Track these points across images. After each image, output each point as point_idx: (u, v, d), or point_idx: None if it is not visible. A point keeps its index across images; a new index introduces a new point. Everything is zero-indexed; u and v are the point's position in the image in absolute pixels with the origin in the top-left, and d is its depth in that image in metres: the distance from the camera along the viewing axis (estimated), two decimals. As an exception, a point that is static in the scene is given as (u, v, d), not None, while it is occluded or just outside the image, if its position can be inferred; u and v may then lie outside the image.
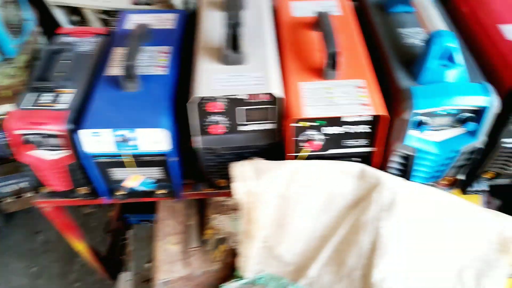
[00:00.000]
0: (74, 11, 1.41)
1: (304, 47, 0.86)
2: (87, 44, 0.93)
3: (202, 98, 0.74)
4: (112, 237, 1.50)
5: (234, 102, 0.76)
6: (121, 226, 1.46)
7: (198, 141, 0.79)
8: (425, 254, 0.77)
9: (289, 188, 0.79)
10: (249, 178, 0.77)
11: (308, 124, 0.76)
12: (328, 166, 0.79)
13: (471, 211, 0.79)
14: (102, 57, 0.90)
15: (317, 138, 0.78)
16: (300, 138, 0.78)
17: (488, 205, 1.18)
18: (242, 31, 0.78)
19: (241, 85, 0.76)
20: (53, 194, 0.91)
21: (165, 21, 0.96)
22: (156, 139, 0.76)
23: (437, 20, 0.78)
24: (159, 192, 0.89)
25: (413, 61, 0.79)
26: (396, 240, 0.76)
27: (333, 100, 0.76)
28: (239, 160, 0.81)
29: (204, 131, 0.79)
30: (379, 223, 0.76)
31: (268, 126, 0.80)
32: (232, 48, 0.78)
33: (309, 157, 0.81)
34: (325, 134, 0.78)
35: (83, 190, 0.89)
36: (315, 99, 0.76)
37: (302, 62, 0.83)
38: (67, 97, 0.81)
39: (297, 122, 0.75)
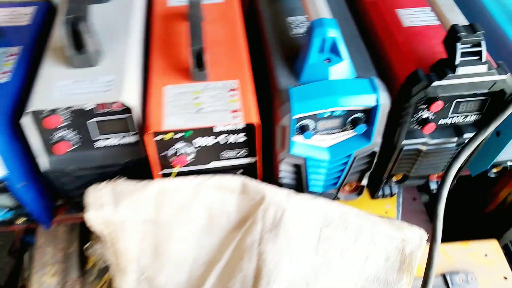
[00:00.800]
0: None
1: (174, 44, 0.73)
2: None
3: (37, 112, 0.61)
4: (16, 259, 1.35)
5: (80, 114, 0.63)
6: (23, 248, 1.30)
7: (45, 163, 0.66)
8: (318, 277, 0.67)
9: (159, 211, 0.67)
10: (106, 204, 0.65)
11: (172, 136, 0.64)
12: (203, 182, 0.67)
13: (369, 225, 0.69)
14: None
15: (189, 151, 0.66)
16: (168, 152, 0.66)
17: (415, 201, 1.11)
18: (88, 26, 0.64)
19: (87, 93, 0.62)
20: None
21: (21, 16, 0.81)
22: (-14, 164, 0.62)
23: (321, 6, 0.67)
24: (19, 221, 0.76)
25: (296, 56, 0.68)
26: (283, 265, 0.65)
27: (200, 106, 0.64)
28: (102, 181, 0.68)
29: (50, 151, 0.65)
30: (263, 246, 0.66)
31: (130, 139, 0.67)
32: (75, 47, 0.64)
33: (183, 174, 0.69)
34: (198, 147, 0.66)
35: None
36: (180, 106, 0.64)
37: (170, 61, 0.70)
38: None
39: (157, 135, 0.63)
